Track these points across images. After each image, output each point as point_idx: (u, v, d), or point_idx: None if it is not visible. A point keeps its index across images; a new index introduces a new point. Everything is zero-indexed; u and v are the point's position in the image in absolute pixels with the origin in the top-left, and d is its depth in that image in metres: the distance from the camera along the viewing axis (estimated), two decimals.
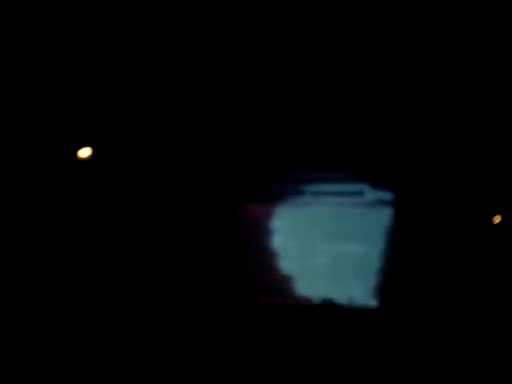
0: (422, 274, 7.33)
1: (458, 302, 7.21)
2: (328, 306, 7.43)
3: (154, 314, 7.41)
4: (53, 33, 6.64)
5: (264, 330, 7.31)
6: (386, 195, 7.69)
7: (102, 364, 6.87)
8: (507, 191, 7.40)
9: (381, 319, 7.34)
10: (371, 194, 7.70)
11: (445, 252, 7.35)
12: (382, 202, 7.69)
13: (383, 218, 7.62)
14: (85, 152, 7.48)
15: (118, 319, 7.31)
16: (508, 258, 7.24)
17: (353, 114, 7.50)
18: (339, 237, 7.60)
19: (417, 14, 6.37)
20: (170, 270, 7.64)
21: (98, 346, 7.04)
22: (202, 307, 7.49)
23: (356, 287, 7.53)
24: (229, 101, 7.48)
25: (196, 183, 7.84)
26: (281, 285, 7.63)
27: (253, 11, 6.37)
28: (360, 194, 7.70)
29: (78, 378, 6.65)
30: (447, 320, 7.14)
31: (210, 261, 7.70)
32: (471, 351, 6.88)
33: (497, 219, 7.38)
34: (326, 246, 7.60)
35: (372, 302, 7.50)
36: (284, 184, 7.84)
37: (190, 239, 7.72)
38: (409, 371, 6.74)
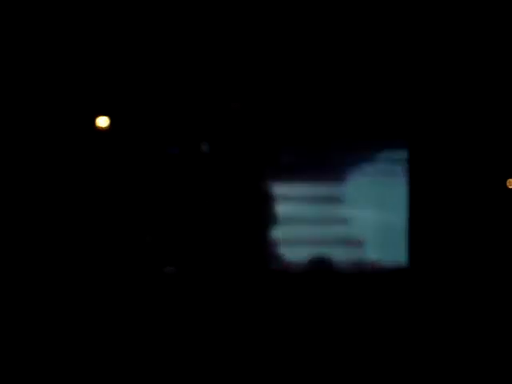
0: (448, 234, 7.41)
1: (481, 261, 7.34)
2: (360, 268, 7.44)
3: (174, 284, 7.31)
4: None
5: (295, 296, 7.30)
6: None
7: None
8: None
9: (411, 278, 7.40)
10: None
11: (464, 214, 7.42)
12: None
13: None
14: (102, 121, 7.33)
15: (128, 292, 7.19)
16: None
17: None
18: (376, 204, 7.55)
19: None
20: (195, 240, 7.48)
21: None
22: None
23: (390, 250, 7.56)
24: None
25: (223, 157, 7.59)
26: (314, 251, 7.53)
27: None
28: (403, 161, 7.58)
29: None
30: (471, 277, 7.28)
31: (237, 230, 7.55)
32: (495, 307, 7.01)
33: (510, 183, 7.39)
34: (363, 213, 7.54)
35: (402, 262, 7.54)
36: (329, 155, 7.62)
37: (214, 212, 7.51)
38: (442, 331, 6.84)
